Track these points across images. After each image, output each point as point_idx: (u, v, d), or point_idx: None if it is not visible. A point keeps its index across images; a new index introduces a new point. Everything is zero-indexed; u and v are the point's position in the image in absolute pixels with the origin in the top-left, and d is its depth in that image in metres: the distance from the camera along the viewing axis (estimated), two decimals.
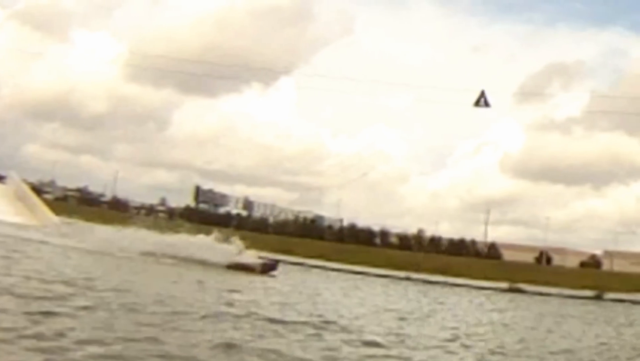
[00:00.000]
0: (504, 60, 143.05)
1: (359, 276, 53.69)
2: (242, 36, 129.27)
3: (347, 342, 13.88)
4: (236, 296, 21.38)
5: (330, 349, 12.73)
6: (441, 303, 32.43)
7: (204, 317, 14.50)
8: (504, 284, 55.15)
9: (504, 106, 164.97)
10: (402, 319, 21.00)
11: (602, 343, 20.23)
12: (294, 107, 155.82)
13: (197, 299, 17.90)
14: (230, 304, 17.96)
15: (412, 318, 21.98)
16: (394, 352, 13.57)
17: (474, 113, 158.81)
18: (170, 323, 12.96)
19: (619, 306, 42.23)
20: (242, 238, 39.31)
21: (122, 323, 12.13)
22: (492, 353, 15.41)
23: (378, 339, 14.96)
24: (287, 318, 16.22)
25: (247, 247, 38.75)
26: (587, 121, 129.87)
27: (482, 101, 52.43)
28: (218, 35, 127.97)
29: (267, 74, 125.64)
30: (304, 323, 15.90)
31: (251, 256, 38.48)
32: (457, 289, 50.69)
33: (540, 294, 52.57)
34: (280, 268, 39.84)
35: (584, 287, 57.09)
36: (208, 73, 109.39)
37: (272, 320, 15.34)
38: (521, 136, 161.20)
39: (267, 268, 37.93)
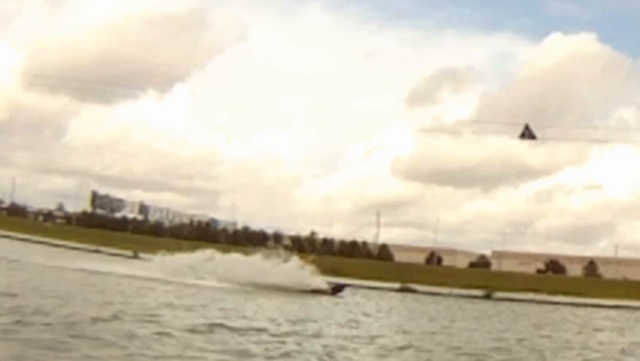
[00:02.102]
0: (394, 65, 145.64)
1: None
2: (137, 44, 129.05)
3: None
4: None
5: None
6: (336, 303, 32.21)
7: None
8: (396, 285, 55.36)
9: (395, 110, 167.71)
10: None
11: (494, 340, 20.24)
12: (189, 113, 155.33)
13: None
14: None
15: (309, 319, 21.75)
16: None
17: (365, 117, 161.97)
18: None
19: (508, 305, 42.70)
20: (138, 242, 38.39)
21: None
22: (388, 350, 15.39)
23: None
24: None
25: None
26: (477, 123, 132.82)
27: (527, 134, 53.24)
28: (114, 43, 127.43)
29: (162, 80, 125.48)
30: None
31: (318, 278, 38.46)
32: (350, 289, 50.59)
33: (431, 294, 52.96)
34: None
35: (473, 287, 57.80)
36: (105, 80, 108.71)
37: None
38: (412, 140, 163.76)
39: (337, 290, 38.77)
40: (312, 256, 41.50)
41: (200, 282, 33.71)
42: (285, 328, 17.93)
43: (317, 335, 17.14)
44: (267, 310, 24.06)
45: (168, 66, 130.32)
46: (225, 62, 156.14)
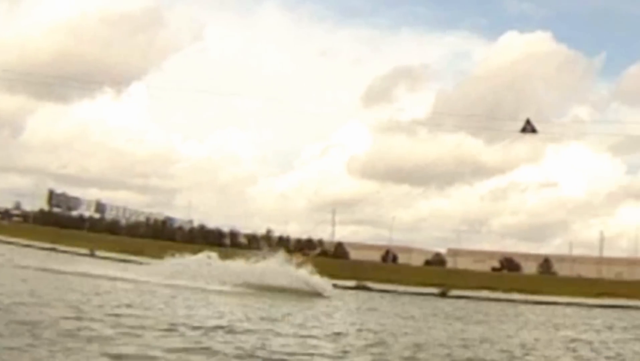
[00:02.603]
0: (350, 64, 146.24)
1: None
2: (94, 43, 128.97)
3: None
4: None
5: None
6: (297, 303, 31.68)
7: None
8: (351, 282, 54.82)
9: (351, 109, 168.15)
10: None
11: (454, 338, 19.99)
12: (146, 112, 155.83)
13: None
14: None
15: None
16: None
17: (321, 116, 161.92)
18: None
19: (463, 303, 42.53)
20: (95, 240, 37.55)
21: None
22: (346, 350, 15.17)
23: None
24: None
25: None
26: (432, 122, 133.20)
27: (528, 128, 53.07)
28: (71, 42, 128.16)
29: (119, 79, 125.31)
30: None
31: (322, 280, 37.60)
32: None
33: (387, 291, 52.59)
34: None
35: (428, 285, 57.54)
36: (61, 79, 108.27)
37: None
38: (368, 138, 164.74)
39: None
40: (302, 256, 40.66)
41: (201, 285, 33.15)
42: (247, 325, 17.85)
43: (278, 334, 16.98)
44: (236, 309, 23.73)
45: (125, 64, 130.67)
46: (182, 61, 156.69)
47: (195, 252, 38.97)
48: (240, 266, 36.80)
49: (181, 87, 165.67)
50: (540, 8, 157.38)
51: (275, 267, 36.76)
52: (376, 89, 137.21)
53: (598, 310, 46.26)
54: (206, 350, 13.11)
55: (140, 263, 43.55)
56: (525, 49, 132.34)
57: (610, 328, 30.32)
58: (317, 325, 21.05)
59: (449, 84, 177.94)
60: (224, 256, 38.25)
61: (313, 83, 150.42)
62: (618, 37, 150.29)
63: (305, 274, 36.86)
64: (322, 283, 37.23)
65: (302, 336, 17.07)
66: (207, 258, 37.24)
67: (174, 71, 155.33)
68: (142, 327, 15.24)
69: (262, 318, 21.14)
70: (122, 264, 46.71)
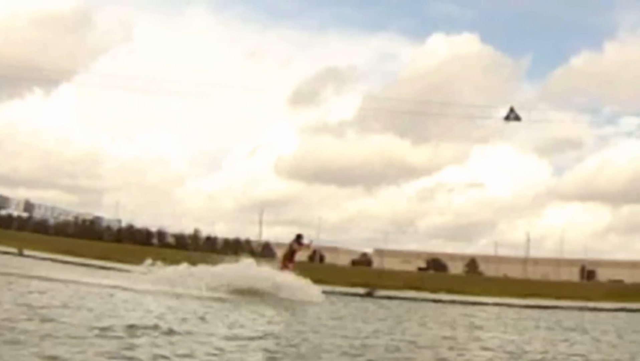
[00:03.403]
0: (278, 65, 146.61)
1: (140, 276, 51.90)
2: (23, 43, 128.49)
3: None
4: None
5: None
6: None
7: None
8: None
9: (279, 110, 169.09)
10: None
11: (384, 338, 19.62)
12: (75, 112, 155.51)
13: None
14: None
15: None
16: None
17: (249, 117, 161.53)
18: None
19: (390, 303, 42.24)
20: (23, 239, 36.15)
21: None
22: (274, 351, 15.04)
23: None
24: None
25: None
26: (360, 123, 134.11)
27: (511, 115, 52.98)
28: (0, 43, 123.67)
29: (48, 80, 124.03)
30: None
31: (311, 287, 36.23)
32: None
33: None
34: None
35: (355, 285, 57.09)
36: None
37: None
38: (295, 139, 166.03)
39: None
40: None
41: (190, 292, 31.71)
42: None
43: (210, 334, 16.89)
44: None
45: (54, 65, 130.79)
46: (111, 62, 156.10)
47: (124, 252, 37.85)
48: (231, 272, 35.27)
49: (110, 87, 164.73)
50: (467, 10, 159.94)
51: (268, 273, 35.39)
52: (304, 90, 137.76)
53: (524, 310, 46.37)
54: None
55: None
56: (452, 50, 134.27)
57: (536, 328, 30.23)
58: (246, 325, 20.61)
59: (376, 86, 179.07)
60: (199, 261, 36.93)
61: (241, 84, 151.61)
62: (544, 39, 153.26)
63: (293, 280, 35.83)
64: (311, 289, 36.04)
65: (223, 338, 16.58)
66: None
67: (103, 72, 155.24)
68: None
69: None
70: (103, 272, 46.01)
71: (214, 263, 35.56)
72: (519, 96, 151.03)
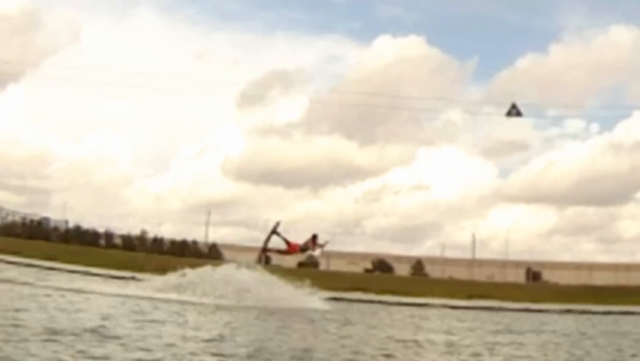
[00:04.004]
0: (226, 67, 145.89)
1: (88, 277, 51.73)
2: None
3: None
4: None
5: None
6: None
7: None
8: None
9: (226, 111, 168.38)
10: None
11: (333, 341, 19.68)
12: (23, 113, 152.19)
13: None
14: None
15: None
16: None
17: (197, 118, 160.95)
18: None
19: (336, 305, 42.17)
20: None
21: None
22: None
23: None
24: None
25: None
26: (307, 125, 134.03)
27: (513, 111, 52.77)
28: None
29: None
30: None
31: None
32: None
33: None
34: None
35: (302, 286, 57.07)
36: None
37: None
38: (242, 140, 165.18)
39: None
40: None
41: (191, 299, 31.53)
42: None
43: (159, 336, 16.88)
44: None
45: (1, 66, 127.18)
46: (59, 63, 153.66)
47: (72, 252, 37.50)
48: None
49: (58, 89, 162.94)
50: (413, 12, 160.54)
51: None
52: (251, 92, 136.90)
53: (469, 311, 46.70)
54: None
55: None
56: (399, 52, 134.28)
57: (480, 328, 30.38)
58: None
59: (323, 87, 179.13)
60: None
61: (189, 85, 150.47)
62: (489, 41, 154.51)
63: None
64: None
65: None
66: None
67: (51, 73, 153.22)
68: None
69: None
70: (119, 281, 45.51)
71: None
72: (465, 98, 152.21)
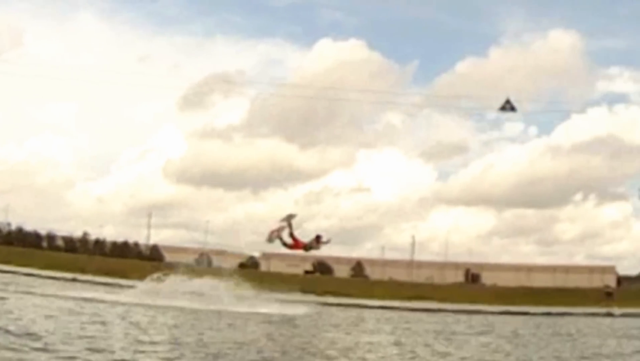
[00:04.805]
0: (167, 70, 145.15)
1: (30, 278, 51.96)
2: None
3: None
4: None
5: None
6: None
7: None
8: None
9: (168, 114, 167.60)
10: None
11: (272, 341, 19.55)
12: None
13: None
14: None
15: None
16: None
17: (138, 121, 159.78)
18: None
19: (280, 307, 42.23)
20: None
21: None
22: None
23: None
24: None
25: None
26: (247, 128, 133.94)
27: (507, 106, 52.76)
28: None
29: None
30: None
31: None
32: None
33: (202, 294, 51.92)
34: None
35: (242, 288, 57.03)
36: None
37: None
38: (183, 143, 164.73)
39: None
40: None
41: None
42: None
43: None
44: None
45: None
46: (1, 67, 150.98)
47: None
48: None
49: (0, 92, 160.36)
50: (353, 17, 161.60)
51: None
52: (192, 95, 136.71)
53: (409, 313, 47.00)
54: None
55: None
56: (339, 56, 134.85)
57: (420, 330, 30.58)
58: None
59: (264, 91, 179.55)
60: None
61: (131, 89, 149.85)
62: (429, 45, 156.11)
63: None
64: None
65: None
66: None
67: None
68: None
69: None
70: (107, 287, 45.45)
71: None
72: (405, 100, 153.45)
